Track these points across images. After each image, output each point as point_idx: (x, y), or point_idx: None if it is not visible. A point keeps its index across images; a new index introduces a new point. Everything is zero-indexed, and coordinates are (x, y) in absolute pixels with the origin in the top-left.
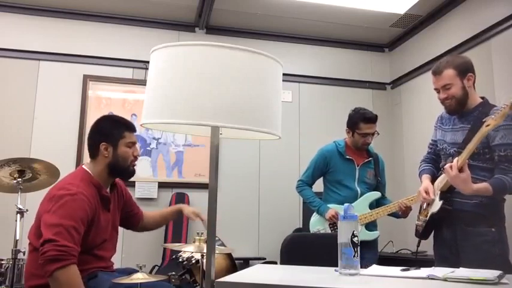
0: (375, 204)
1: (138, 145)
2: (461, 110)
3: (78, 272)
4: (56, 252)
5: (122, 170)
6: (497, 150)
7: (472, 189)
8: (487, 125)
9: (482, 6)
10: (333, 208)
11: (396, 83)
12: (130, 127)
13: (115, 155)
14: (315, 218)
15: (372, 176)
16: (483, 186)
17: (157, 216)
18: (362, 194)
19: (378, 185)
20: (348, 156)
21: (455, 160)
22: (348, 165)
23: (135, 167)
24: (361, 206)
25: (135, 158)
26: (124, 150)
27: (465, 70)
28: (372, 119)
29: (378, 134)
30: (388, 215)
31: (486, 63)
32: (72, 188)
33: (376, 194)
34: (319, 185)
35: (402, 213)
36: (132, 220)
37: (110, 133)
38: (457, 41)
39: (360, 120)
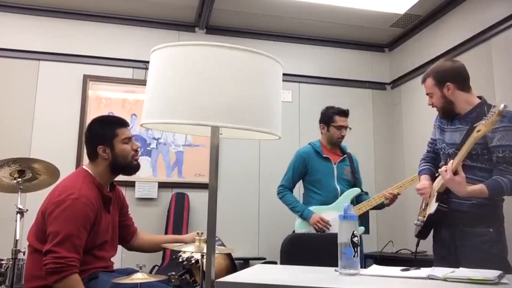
0: (355, 201)
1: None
2: (451, 116)
3: (78, 280)
4: (55, 265)
5: (125, 167)
6: (496, 151)
7: (466, 191)
8: (478, 131)
9: (482, 6)
10: (316, 214)
11: (396, 83)
12: (121, 123)
13: (114, 154)
14: (299, 220)
15: (349, 173)
16: (478, 188)
17: (156, 239)
18: (342, 192)
19: (355, 181)
20: (325, 155)
21: (449, 163)
22: (325, 164)
23: (138, 160)
24: (343, 204)
25: (136, 151)
26: (121, 148)
27: (443, 80)
28: (345, 112)
29: (350, 129)
30: (371, 208)
31: (486, 63)
32: (74, 192)
33: (356, 191)
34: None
35: (390, 201)
36: (124, 233)
37: (103, 135)
38: (457, 41)
39: (334, 113)
